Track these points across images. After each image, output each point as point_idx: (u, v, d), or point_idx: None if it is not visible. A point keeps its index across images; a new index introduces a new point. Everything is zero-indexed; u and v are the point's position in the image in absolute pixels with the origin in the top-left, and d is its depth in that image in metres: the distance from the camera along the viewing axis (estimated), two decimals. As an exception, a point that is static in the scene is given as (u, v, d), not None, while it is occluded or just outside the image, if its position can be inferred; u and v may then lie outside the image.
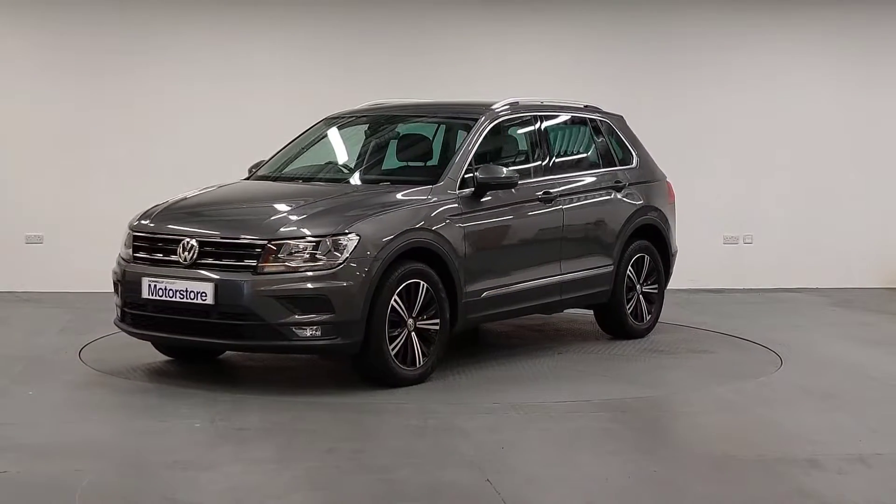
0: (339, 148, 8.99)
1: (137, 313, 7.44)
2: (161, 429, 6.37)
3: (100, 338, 8.93)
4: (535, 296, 8.35)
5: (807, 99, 12.52)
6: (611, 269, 8.90)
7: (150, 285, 7.23)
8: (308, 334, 6.97)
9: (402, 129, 8.84)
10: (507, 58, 12.04)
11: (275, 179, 8.47)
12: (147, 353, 8.41)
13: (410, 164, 8.58)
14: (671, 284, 12.21)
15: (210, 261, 7.12)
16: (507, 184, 7.95)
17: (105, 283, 11.25)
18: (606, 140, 9.38)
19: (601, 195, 8.98)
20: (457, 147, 8.15)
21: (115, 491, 5.21)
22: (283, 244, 7.00)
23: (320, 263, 6.98)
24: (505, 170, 7.92)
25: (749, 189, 12.48)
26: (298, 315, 6.95)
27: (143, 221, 7.64)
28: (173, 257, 7.24)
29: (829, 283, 12.48)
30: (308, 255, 6.99)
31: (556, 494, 5.32)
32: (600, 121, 9.44)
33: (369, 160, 8.69)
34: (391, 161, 8.64)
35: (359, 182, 8.34)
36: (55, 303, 10.69)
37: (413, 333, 7.30)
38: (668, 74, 12.35)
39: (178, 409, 6.79)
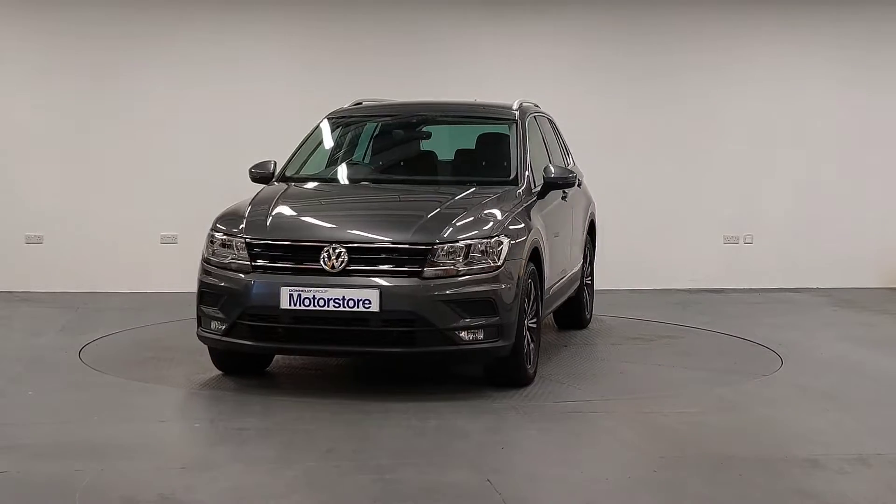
0: (382, 148, 8.83)
1: (267, 325, 6.99)
2: (161, 429, 6.37)
3: (100, 338, 8.93)
4: (564, 292, 8.65)
5: (807, 99, 12.52)
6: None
7: (292, 295, 6.80)
8: (470, 338, 6.89)
9: (430, 129, 8.88)
10: (507, 57, 12.03)
11: (331, 181, 8.32)
12: (147, 354, 8.42)
13: (460, 163, 8.60)
14: (671, 284, 12.25)
15: (362, 267, 6.85)
16: (571, 182, 8.16)
17: (104, 284, 11.40)
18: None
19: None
20: (514, 147, 8.18)
21: (115, 491, 5.21)
22: (446, 248, 6.90)
23: (482, 267, 6.94)
24: (569, 168, 8.10)
25: (749, 189, 12.48)
26: (466, 319, 6.86)
27: (257, 229, 7.15)
28: (313, 265, 6.87)
29: (829, 283, 12.48)
30: (470, 259, 6.94)
31: (556, 494, 5.32)
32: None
33: (429, 161, 8.63)
34: (448, 161, 8.64)
35: (442, 183, 8.24)
36: (55, 303, 10.69)
37: (527, 332, 7.32)
38: (669, 74, 12.33)
39: (178, 409, 6.79)
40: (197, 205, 11.59)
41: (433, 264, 6.84)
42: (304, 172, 8.35)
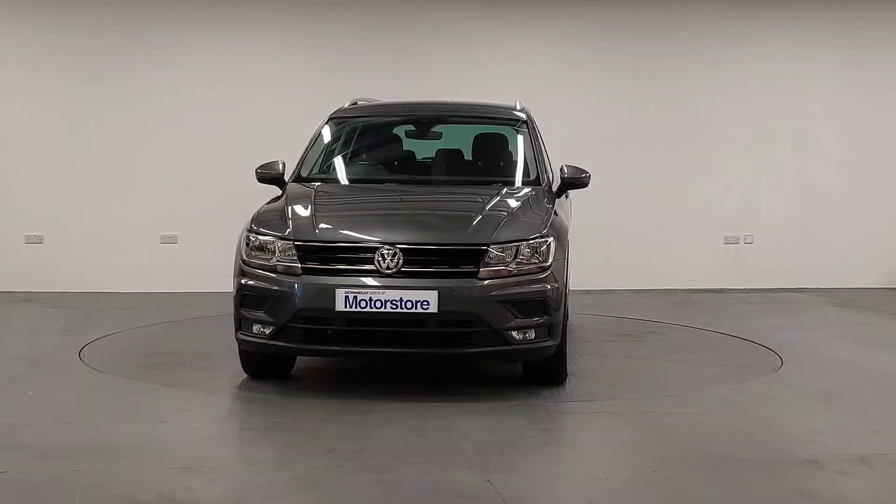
0: (397, 149, 8.77)
1: (318, 328, 6.93)
2: (161, 429, 6.37)
3: (100, 338, 8.93)
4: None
5: (807, 99, 12.52)
6: None
7: (347, 297, 6.74)
8: (521, 337, 6.91)
9: (442, 129, 8.86)
10: (507, 58, 12.04)
11: (355, 181, 8.26)
12: (147, 354, 8.42)
13: (481, 163, 8.59)
14: (671, 284, 12.26)
15: (417, 268, 6.82)
16: (586, 181, 8.13)
17: (104, 284, 11.40)
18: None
19: None
20: (531, 147, 8.29)
21: (115, 491, 5.21)
22: (499, 249, 6.91)
23: (532, 267, 6.96)
24: (584, 168, 8.12)
25: (749, 189, 12.48)
26: (520, 318, 6.88)
27: (306, 231, 7.04)
28: (367, 266, 6.82)
29: (829, 283, 12.48)
30: (520, 259, 6.96)
31: (556, 494, 5.32)
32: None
33: (448, 161, 8.61)
34: (467, 162, 8.62)
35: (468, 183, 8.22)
36: (55, 303, 10.69)
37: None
38: (669, 74, 12.35)
39: (178, 409, 6.79)
40: (197, 205, 11.63)
41: (487, 265, 6.87)
42: (320, 173, 8.24)
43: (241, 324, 7.10)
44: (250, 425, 6.55)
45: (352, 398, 7.05)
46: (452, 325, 6.83)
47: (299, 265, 6.90)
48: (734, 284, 12.37)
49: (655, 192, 12.26)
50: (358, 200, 7.96)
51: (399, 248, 6.82)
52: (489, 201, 7.47)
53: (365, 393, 7.16)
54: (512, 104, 8.86)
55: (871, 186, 12.65)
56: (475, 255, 6.87)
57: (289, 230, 7.04)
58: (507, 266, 6.90)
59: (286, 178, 8.06)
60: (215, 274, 11.45)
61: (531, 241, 7.02)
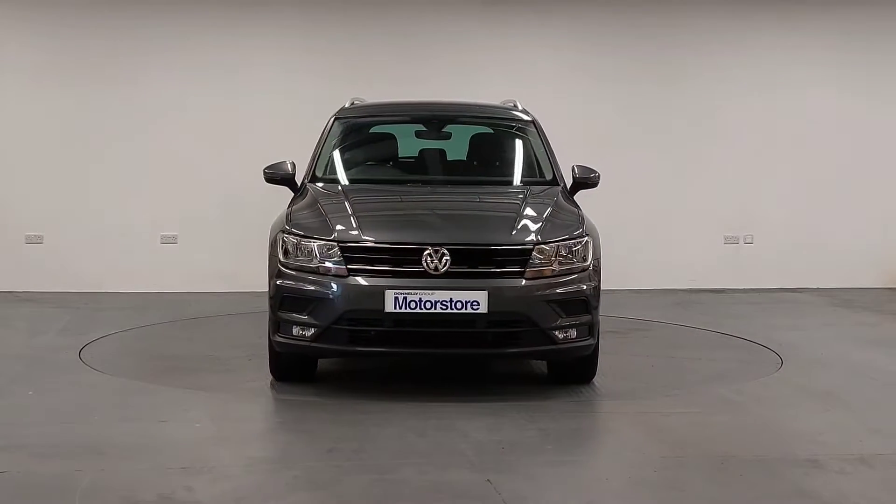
0: (412, 148, 8.73)
1: (365, 329, 6.89)
2: (161, 429, 6.37)
3: (100, 338, 8.93)
4: None
5: (807, 99, 12.53)
6: None
7: (397, 298, 6.72)
8: (564, 336, 6.97)
9: (451, 129, 8.81)
10: (506, 59, 12.04)
11: (378, 181, 8.21)
12: (147, 354, 8.42)
13: (498, 163, 8.62)
14: (671, 284, 12.27)
15: (464, 269, 6.82)
16: (596, 181, 8.19)
17: (104, 284, 11.40)
18: None
19: None
20: (541, 148, 8.36)
21: (115, 491, 5.21)
22: (544, 248, 6.97)
23: (573, 266, 7.05)
24: (594, 168, 8.19)
25: (749, 189, 12.48)
26: (564, 318, 6.94)
27: (349, 231, 6.98)
28: (415, 268, 6.79)
29: (829, 283, 12.48)
30: (562, 258, 7.03)
31: (556, 494, 5.32)
32: None
33: (466, 161, 8.61)
34: (483, 161, 8.62)
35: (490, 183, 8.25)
36: (55, 303, 10.69)
37: None
38: (669, 75, 12.35)
39: (178, 409, 6.79)
40: (197, 205, 11.63)
41: (533, 265, 6.90)
42: (337, 173, 8.15)
43: (279, 326, 7.01)
44: (250, 425, 6.55)
45: (352, 398, 7.05)
46: (501, 325, 6.86)
47: (345, 266, 6.86)
48: (734, 284, 12.37)
49: (655, 192, 12.26)
50: (393, 201, 7.86)
51: (446, 249, 6.82)
52: (523, 202, 7.50)
53: (365, 393, 7.17)
54: (510, 104, 8.88)
55: (871, 186, 12.65)
56: (521, 255, 6.92)
57: (332, 231, 6.98)
58: (550, 266, 6.96)
59: (297, 178, 7.99)
60: (215, 274, 11.50)
61: (572, 241, 7.12)
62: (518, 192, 7.82)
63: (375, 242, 6.92)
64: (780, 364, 8.27)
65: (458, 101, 9.41)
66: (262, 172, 8.05)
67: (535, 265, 6.91)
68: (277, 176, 8.01)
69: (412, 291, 6.71)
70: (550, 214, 7.33)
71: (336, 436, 6.19)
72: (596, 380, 7.71)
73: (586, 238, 7.20)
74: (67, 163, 11.53)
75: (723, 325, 9.87)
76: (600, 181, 8.21)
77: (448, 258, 6.79)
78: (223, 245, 11.56)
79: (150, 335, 9.22)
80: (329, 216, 7.17)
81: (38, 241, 11.51)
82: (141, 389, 7.28)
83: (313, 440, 6.14)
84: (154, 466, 5.60)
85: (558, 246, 7.03)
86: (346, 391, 7.23)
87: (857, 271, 12.58)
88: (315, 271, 6.91)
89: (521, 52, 12.09)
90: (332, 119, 8.54)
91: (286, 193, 7.96)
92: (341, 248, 6.88)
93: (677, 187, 12.31)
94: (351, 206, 7.29)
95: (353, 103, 8.96)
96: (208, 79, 11.67)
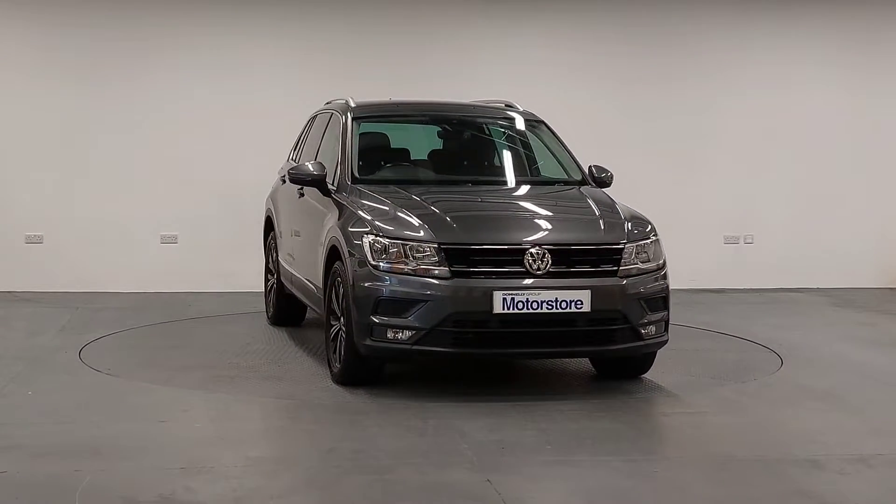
0: (445, 149, 8.72)
1: (470, 331, 6.81)
2: (161, 429, 6.37)
3: (100, 338, 8.93)
4: None
5: (807, 99, 12.52)
6: None
7: (505, 299, 6.71)
8: (647, 332, 7.10)
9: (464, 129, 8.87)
10: (505, 58, 12.02)
11: (428, 182, 8.10)
12: (147, 354, 8.42)
13: (531, 164, 8.64)
14: (671, 284, 12.23)
15: (565, 268, 6.88)
16: (609, 182, 8.34)
17: (104, 284, 11.39)
18: None
19: None
20: (561, 148, 8.51)
21: (115, 491, 5.21)
22: (632, 247, 7.11)
23: (652, 264, 7.23)
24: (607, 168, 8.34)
25: (749, 189, 12.48)
26: (650, 314, 7.11)
27: (449, 233, 6.92)
28: (517, 268, 6.80)
29: (829, 283, 12.48)
30: (643, 256, 7.18)
31: (556, 494, 5.33)
32: None
33: (498, 161, 8.63)
34: (517, 163, 8.59)
35: (517, 183, 8.28)
36: (55, 303, 10.69)
37: None
38: (669, 74, 12.34)
39: (178, 409, 6.79)
40: (197, 205, 11.62)
41: (625, 263, 7.04)
42: (377, 174, 8.06)
43: (371, 330, 6.88)
44: (250, 425, 6.55)
45: (352, 398, 7.05)
46: (599, 323, 6.94)
47: (448, 268, 6.80)
48: (734, 284, 12.36)
49: (655, 192, 12.22)
50: (472, 202, 7.77)
51: (547, 249, 6.86)
52: (586, 202, 7.63)
53: (365, 393, 7.16)
54: (506, 105, 8.93)
55: (871, 186, 12.65)
56: (615, 254, 7.03)
57: (430, 233, 6.91)
58: (636, 264, 7.11)
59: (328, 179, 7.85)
60: (215, 274, 11.50)
61: (649, 239, 7.29)
62: (572, 192, 7.96)
63: (478, 244, 6.91)
64: (780, 364, 8.27)
65: (471, 101, 9.34)
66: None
67: (627, 263, 7.05)
68: (307, 178, 7.91)
69: (520, 292, 6.74)
70: (625, 213, 7.49)
71: (336, 436, 6.20)
72: (596, 380, 7.71)
73: (657, 236, 7.38)
74: (67, 163, 11.52)
75: (723, 325, 9.87)
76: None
77: (549, 258, 6.84)
78: (223, 245, 11.55)
79: (149, 335, 9.22)
80: (420, 218, 7.06)
81: (38, 241, 11.50)
82: (141, 389, 7.28)
83: (313, 440, 6.14)
84: (154, 466, 5.61)
85: (644, 244, 7.21)
86: (345, 391, 7.23)
87: (857, 271, 12.58)
88: (415, 273, 6.82)
89: (521, 52, 12.06)
90: (351, 117, 8.27)
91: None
92: (444, 250, 6.82)
93: (677, 187, 12.30)
94: (437, 207, 7.25)
95: (328, 103, 8.95)
96: (208, 79, 11.66)
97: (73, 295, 11.09)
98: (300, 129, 9.83)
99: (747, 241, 12.51)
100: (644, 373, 7.62)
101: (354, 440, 6.10)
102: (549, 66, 12.10)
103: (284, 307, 9.41)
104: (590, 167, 8.32)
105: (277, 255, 9.41)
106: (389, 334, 6.82)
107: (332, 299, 7.38)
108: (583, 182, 8.20)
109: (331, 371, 7.46)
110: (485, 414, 6.67)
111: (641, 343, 7.12)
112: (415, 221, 7.04)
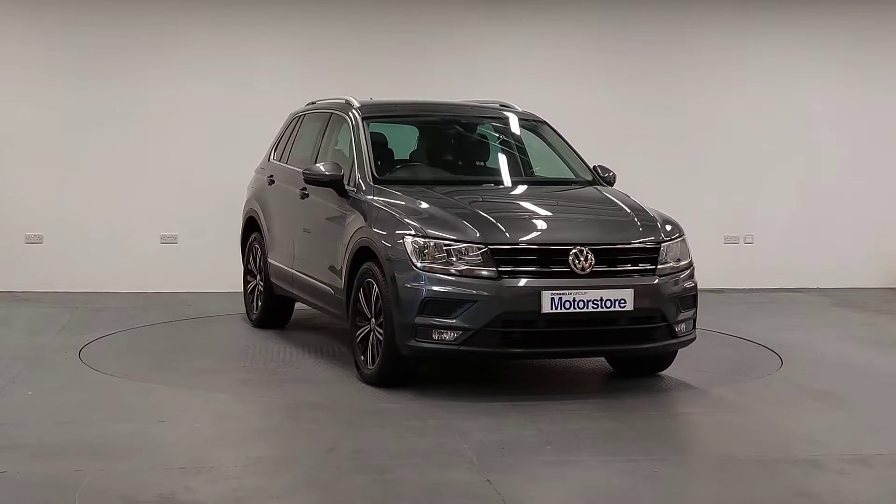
0: (457, 150, 8.69)
1: (518, 331, 6.85)
2: (161, 429, 6.37)
3: (100, 338, 8.93)
4: None
5: (807, 99, 12.52)
6: None
7: (553, 299, 6.76)
8: (679, 330, 7.24)
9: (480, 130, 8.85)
10: (505, 57, 12.03)
11: (450, 182, 8.01)
12: (147, 354, 8.42)
13: (547, 164, 8.70)
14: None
15: (607, 268, 6.98)
16: (612, 181, 8.43)
17: (104, 284, 11.39)
18: None
19: None
20: (567, 147, 8.60)
21: (115, 491, 5.21)
22: (666, 246, 7.26)
23: (683, 264, 7.41)
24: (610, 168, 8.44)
25: (749, 189, 12.48)
26: (683, 312, 7.27)
27: (494, 234, 6.92)
28: (562, 268, 6.85)
29: (829, 283, 12.48)
30: (674, 256, 7.31)
31: (556, 494, 5.33)
32: None
33: (512, 161, 8.59)
34: (521, 161, 8.62)
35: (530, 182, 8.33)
36: (55, 303, 10.69)
37: None
38: (669, 74, 12.34)
39: (178, 409, 6.79)
40: (197, 205, 11.62)
41: (662, 262, 7.17)
42: (402, 175, 8.06)
43: (416, 331, 6.85)
44: (250, 425, 6.55)
45: (352, 398, 7.05)
46: (640, 321, 7.03)
47: (496, 268, 6.81)
48: (734, 284, 12.36)
49: (655, 191, 12.17)
50: (502, 201, 7.79)
51: (590, 249, 6.93)
52: (618, 201, 7.72)
53: (365, 393, 7.16)
54: (500, 105, 8.95)
55: (871, 186, 12.64)
56: (652, 253, 7.14)
57: (476, 234, 6.91)
58: (670, 263, 7.24)
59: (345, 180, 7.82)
60: (215, 274, 11.49)
61: (679, 239, 7.42)
62: (593, 192, 8.02)
63: (524, 244, 6.95)
64: (780, 364, 8.27)
65: (475, 102, 9.32)
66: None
67: (664, 262, 7.17)
68: (325, 179, 7.85)
69: (567, 291, 6.80)
70: (655, 214, 7.56)
71: (336, 436, 6.20)
72: (596, 380, 7.71)
73: (684, 236, 7.50)
74: (67, 162, 11.51)
75: (723, 325, 9.86)
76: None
77: (592, 258, 6.90)
78: (223, 245, 11.53)
79: (149, 335, 9.22)
80: (462, 218, 7.07)
81: (37, 241, 11.50)
82: (141, 389, 7.28)
83: (313, 440, 6.14)
84: (154, 466, 5.61)
85: (676, 243, 7.35)
86: (345, 391, 7.23)
87: (857, 271, 12.57)
88: (462, 273, 6.83)
89: (521, 51, 12.07)
90: (361, 117, 8.19)
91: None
92: (491, 251, 6.84)
93: (677, 187, 12.29)
94: (478, 207, 7.27)
95: (311, 103, 8.95)
96: (208, 78, 11.66)
97: (73, 295, 11.09)
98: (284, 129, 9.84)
99: (747, 241, 12.50)
100: (663, 370, 7.70)
101: (354, 440, 6.10)
102: (549, 64, 12.10)
103: (272, 309, 9.33)
104: (595, 167, 8.38)
105: (266, 256, 9.30)
106: (435, 335, 6.81)
107: (359, 300, 7.35)
108: (594, 182, 8.23)
109: (359, 372, 7.40)
110: (485, 414, 6.67)
111: (676, 341, 7.25)
112: (458, 222, 7.04)
